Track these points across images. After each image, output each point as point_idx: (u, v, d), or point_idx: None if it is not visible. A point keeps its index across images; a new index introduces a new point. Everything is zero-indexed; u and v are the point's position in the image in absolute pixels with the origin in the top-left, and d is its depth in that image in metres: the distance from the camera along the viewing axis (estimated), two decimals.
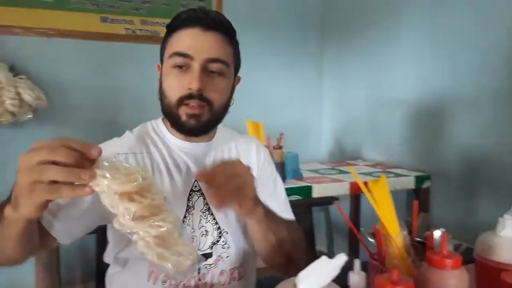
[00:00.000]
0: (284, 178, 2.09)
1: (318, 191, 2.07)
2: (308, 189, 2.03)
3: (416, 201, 0.85)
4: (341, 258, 0.64)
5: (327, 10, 3.19)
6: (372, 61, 2.73)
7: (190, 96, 0.93)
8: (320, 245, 3.31)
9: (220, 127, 1.10)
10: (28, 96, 2.20)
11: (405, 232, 0.81)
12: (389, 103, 2.59)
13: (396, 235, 0.79)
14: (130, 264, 1.00)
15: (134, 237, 0.63)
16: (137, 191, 0.62)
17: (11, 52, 2.35)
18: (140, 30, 2.64)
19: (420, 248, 0.85)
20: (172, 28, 0.98)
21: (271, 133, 2.17)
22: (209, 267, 1.00)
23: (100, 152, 0.61)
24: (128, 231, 0.63)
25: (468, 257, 0.82)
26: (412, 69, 2.40)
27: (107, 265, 1.08)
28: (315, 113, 3.26)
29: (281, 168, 2.08)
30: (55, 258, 1.90)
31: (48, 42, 2.45)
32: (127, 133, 1.06)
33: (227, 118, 1.10)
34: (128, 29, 2.61)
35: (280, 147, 2.08)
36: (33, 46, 2.42)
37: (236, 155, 1.10)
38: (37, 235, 0.81)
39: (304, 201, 2.16)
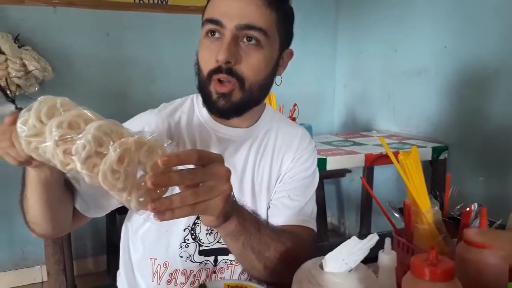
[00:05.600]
0: None
1: (332, 164, 2.01)
2: (323, 161, 1.98)
3: (448, 174, 0.79)
4: (372, 239, 0.59)
5: None
6: (389, 28, 2.62)
7: (218, 70, 0.81)
8: (331, 217, 3.29)
9: (267, 111, 0.98)
10: (34, 67, 2.14)
11: (437, 208, 0.75)
12: (407, 72, 2.50)
13: (427, 210, 0.74)
14: (136, 264, 0.96)
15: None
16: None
17: (16, 22, 2.28)
18: None
19: (450, 224, 0.80)
20: None
21: (283, 103, 2.10)
22: (229, 263, 0.93)
23: (12, 120, 0.58)
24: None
25: None
26: (432, 35, 2.30)
27: (118, 238, 1.03)
28: (329, 83, 3.18)
29: None
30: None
31: (54, 11, 2.37)
32: (162, 105, 0.96)
33: None
34: None
35: (293, 119, 2.02)
36: (39, 16, 2.34)
37: (274, 146, 0.96)
38: (64, 206, 0.81)
39: None
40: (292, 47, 0.96)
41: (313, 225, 0.96)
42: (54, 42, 2.37)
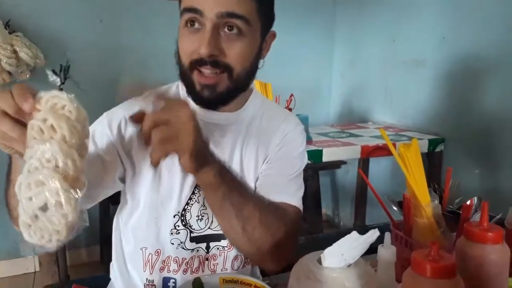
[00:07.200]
0: None
1: (328, 155, 2.00)
2: (319, 153, 1.96)
3: (449, 168, 0.77)
4: (373, 234, 0.57)
5: None
6: (387, 19, 2.59)
7: (201, 61, 0.79)
8: (326, 209, 3.28)
9: (255, 95, 0.97)
10: (25, 54, 2.10)
11: (436, 201, 0.74)
12: (405, 63, 2.48)
13: (427, 204, 0.73)
14: (128, 255, 0.95)
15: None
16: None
17: (7, 7, 2.22)
18: None
19: (450, 218, 0.78)
20: None
21: (279, 94, 2.08)
22: (222, 249, 0.92)
23: (32, 106, 0.55)
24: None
25: None
26: (431, 26, 2.27)
27: (111, 228, 1.01)
28: (325, 74, 3.15)
29: None
30: None
31: None
32: (148, 92, 0.95)
33: None
34: None
35: (290, 110, 2.00)
36: (30, 1, 2.29)
37: (261, 129, 0.95)
38: None
39: (312, 165, 2.09)
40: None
41: (298, 203, 0.93)
42: (46, 28, 2.32)
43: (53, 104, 0.55)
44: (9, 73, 2.12)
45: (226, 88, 0.83)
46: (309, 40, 3.00)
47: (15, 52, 2.08)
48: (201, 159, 0.69)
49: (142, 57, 2.54)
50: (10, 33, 2.13)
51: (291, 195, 0.92)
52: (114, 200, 1.01)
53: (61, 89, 0.57)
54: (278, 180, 0.92)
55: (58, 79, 0.58)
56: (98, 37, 2.45)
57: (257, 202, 0.81)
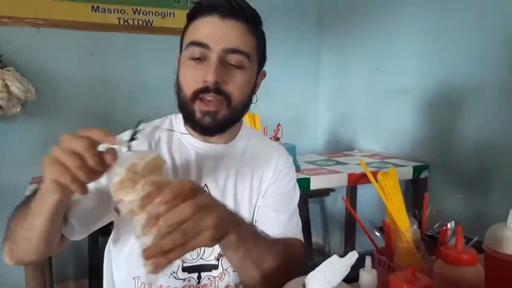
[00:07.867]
0: None
1: (316, 183, 2.03)
2: (306, 181, 2.00)
3: (426, 194, 0.81)
4: (352, 257, 0.60)
5: None
6: (372, 49, 2.68)
7: (205, 90, 0.85)
8: (316, 237, 3.29)
9: (244, 127, 1.03)
10: (16, 88, 2.13)
11: (415, 226, 0.77)
12: (389, 92, 2.55)
13: (406, 229, 0.76)
14: (119, 285, 0.96)
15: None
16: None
17: None
18: (133, 19, 2.57)
19: (429, 242, 0.82)
20: (190, 17, 0.91)
21: (266, 124, 2.12)
22: (213, 279, 0.94)
23: (113, 158, 0.63)
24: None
25: None
26: (415, 57, 2.35)
27: (100, 262, 1.03)
28: (312, 103, 3.22)
29: None
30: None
31: (37, 32, 2.37)
32: (141, 126, 0.99)
33: None
34: (120, 18, 2.54)
35: (277, 139, 2.04)
36: (22, 36, 2.34)
37: (254, 162, 0.99)
38: (59, 230, 0.80)
39: (300, 193, 2.11)
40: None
41: (301, 237, 0.99)
42: (37, 63, 2.37)
43: (146, 164, 0.62)
44: (0, 107, 2.14)
45: (224, 116, 0.88)
46: (296, 72, 3.09)
47: (6, 86, 2.11)
48: (218, 239, 0.68)
49: (131, 90, 2.60)
50: (1, 67, 2.17)
51: (294, 230, 0.97)
52: (104, 232, 1.03)
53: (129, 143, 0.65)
54: (280, 218, 0.96)
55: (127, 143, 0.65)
56: (89, 71, 2.50)
57: (273, 252, 0.84)
